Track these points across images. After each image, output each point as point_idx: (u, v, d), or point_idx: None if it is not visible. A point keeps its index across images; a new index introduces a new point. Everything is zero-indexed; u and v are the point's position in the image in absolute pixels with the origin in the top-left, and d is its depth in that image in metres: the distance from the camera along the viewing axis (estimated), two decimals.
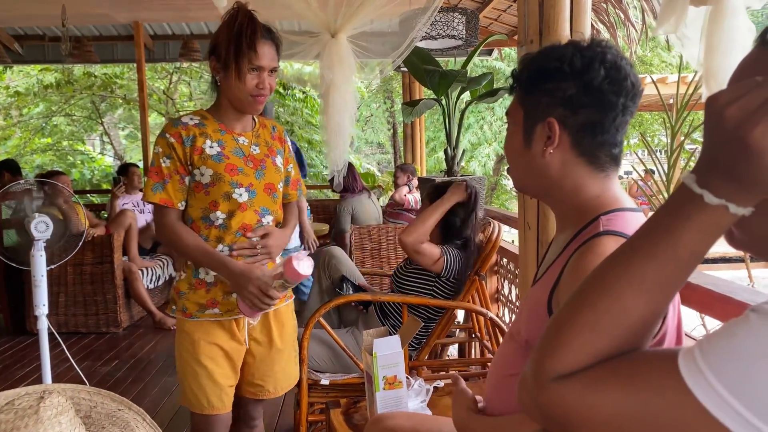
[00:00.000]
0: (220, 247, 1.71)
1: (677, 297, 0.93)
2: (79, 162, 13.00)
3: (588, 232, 0.96)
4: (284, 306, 1.86)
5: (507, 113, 1.10)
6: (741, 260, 6.11)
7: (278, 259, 1.81)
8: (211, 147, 1.70)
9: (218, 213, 1.70)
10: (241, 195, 1.71)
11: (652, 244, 0.56)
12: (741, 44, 1.35)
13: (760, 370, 0.47)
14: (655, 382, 0.53)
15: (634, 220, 0.97)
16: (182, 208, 1.73)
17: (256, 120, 1.84)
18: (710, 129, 0.53)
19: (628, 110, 0.99)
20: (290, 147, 1.93)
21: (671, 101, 7.59)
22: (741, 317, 0.50)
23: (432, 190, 2.53)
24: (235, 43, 1.62)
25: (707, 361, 0.50)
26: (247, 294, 1.63)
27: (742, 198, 0.52)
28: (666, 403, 0.52)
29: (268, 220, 1.78)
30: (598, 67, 0.95)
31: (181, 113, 1.76)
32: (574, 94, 0.96)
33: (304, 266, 1.57)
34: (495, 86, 3.63)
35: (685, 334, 1.44)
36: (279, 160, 1.83)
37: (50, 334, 2.53)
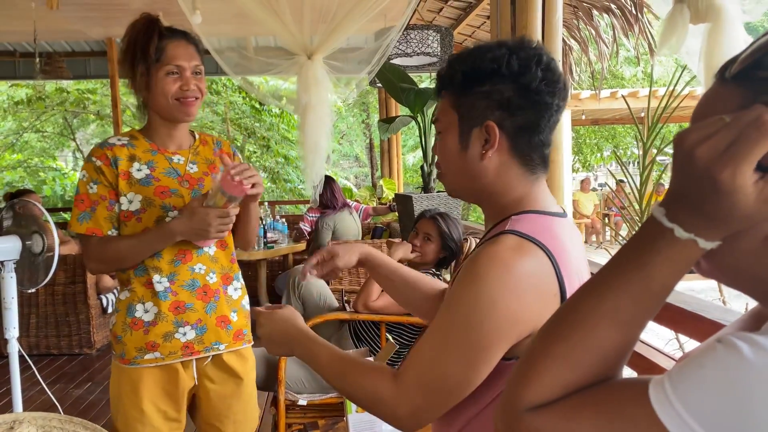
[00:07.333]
0: (156, 277, 1.57)
1: None
2: (50, 179, 12.80)
3: (497, 229, 0.97)
4: (244, 348, 1.72)
5: (435, 120, 1.07)
6: None
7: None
8: (139, 170, 1.58)
9: None
10: None
11: (624, 278, 0.57)
12: None
13: (725, 402, 0.48)
14: (627, 412, 0.54)
15: (543, 223, 0.96)
16: (113, 235, 1.58)
17: (197, 137, 1.71)
18: (680, 166, 0.53)
19: (561, 110, 0.99)
20: (240, 159, 1.79)
21: (642, 114, 7.74)
22: (709, 347, 0.51)
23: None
24: (141, 50, 1.52)
25: (676, 391, 0.51)
26: (198, 223, 1.49)
27: (711, 233, 0.53)
28: None
29: (211, 243, 1.64)
30: (535, 69, 0.94)
31: (110, 136, 1.69)
32: (512, 96, 0.95)
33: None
34: None
35: (658, 351, 1.46)
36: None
37: (20, 356, 2.47)
